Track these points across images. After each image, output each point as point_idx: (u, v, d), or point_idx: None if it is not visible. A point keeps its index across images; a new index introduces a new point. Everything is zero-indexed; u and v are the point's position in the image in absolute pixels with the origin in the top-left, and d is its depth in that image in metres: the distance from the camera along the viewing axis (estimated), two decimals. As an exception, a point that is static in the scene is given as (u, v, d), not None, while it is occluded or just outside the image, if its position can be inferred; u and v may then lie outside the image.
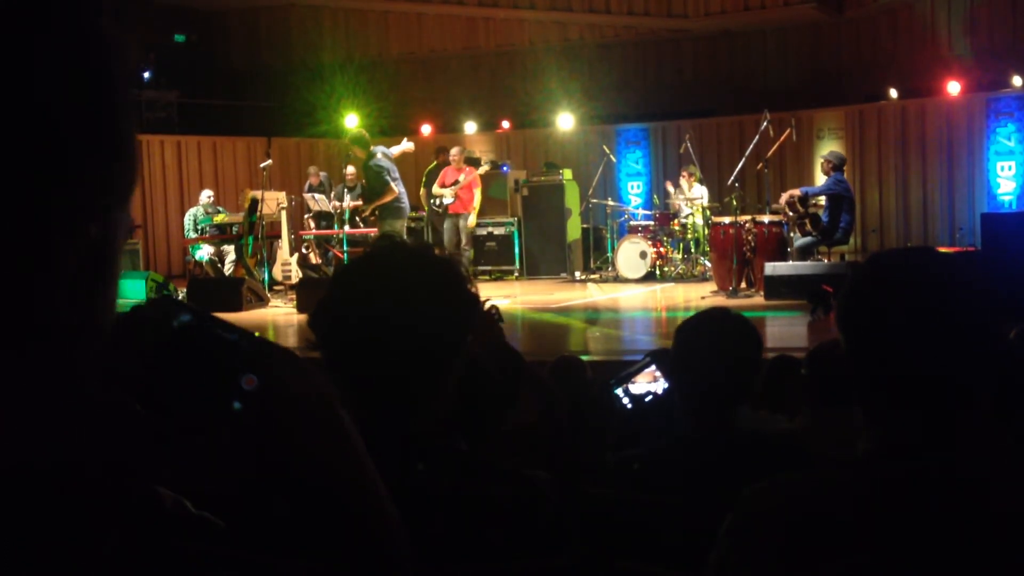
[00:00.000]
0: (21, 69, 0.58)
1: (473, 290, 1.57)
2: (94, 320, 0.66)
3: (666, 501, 2.31)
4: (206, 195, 14.32)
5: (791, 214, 11.45)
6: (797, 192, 11.47)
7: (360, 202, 12.60)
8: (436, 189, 13.29)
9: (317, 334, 1.51)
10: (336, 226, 12.95)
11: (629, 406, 3.05)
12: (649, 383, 3.09)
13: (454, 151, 13.72)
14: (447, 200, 12.89)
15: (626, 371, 3.12)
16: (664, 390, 3.01)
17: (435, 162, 14.27)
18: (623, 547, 2.23)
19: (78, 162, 0.61)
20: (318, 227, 13.77)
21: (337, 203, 13.30)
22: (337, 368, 1.50)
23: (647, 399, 3.03)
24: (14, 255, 0.59)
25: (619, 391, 3.07)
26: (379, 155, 10.84)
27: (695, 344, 2.50)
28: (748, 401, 2.56)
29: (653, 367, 3.09)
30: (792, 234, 11.68)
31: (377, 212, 11.06)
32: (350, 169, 13.76)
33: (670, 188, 14.04)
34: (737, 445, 2.38)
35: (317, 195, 13.65)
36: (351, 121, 17.03)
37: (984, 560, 1.26)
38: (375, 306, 1.47)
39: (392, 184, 10.67)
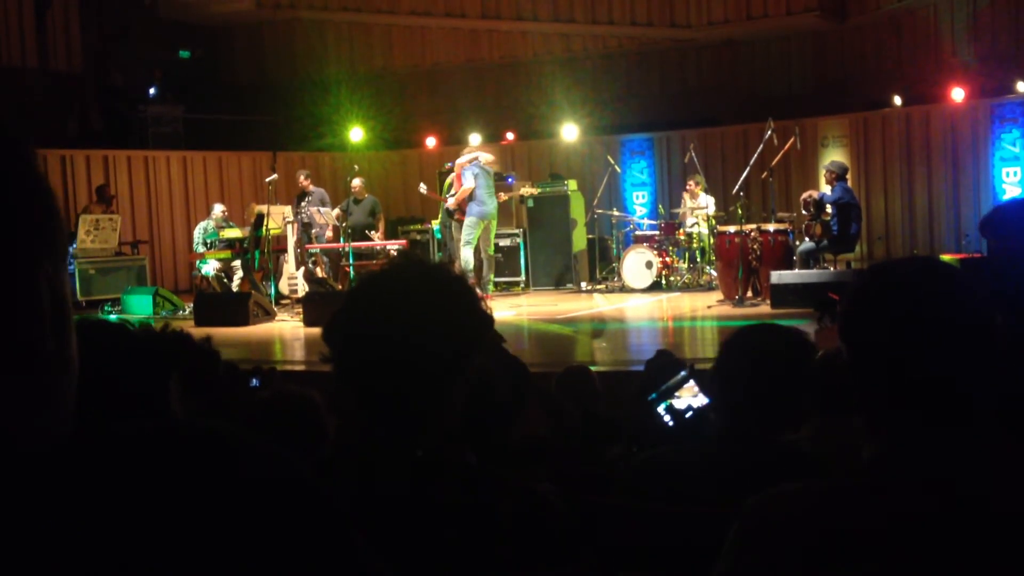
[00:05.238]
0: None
1: (487, 308, 1.58)
2: (70, 354, 0.80)
3: (672, 511, 2.31)
4: (219, 209, 14.38)
5: (805, 213, 11.48)
6: (816, 194, 11.48)
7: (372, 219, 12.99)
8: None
9: (331, 348, 1.53)
10: (342, 239, 12.97)
11: (671, 423, 2.99)
12: (691, 397, 3.03)
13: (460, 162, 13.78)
14: (449, 205, 13.01)
15: (665, 386, 3.06)
16: (705, 405, 2.96)
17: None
18: (629, 557, 2.23)
19: (39, 232, 0.79)
20: (305, 239, 13.62)
21: (339, 214, 13.32)
22: (349, 382, 1.52)
23: (687, 415, 2.98)
24: (14, 299, 0.76)
25: (661, 408, 3.01)
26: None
27: (737, 357, 2.41)
28: (798, 421, 2.41)
29: (692, 382, 3.05)
30: (797, 242, 11.68)
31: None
32: (356, 182, 13.77)
33: (687, 197, 14.02)
34: (768, 461, 2.27)
35: (323, 208, 13.63)
36: (356, 134, 17.06)
37: (989, 567, 1.26)
38: (389, 323, 1.48)
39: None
